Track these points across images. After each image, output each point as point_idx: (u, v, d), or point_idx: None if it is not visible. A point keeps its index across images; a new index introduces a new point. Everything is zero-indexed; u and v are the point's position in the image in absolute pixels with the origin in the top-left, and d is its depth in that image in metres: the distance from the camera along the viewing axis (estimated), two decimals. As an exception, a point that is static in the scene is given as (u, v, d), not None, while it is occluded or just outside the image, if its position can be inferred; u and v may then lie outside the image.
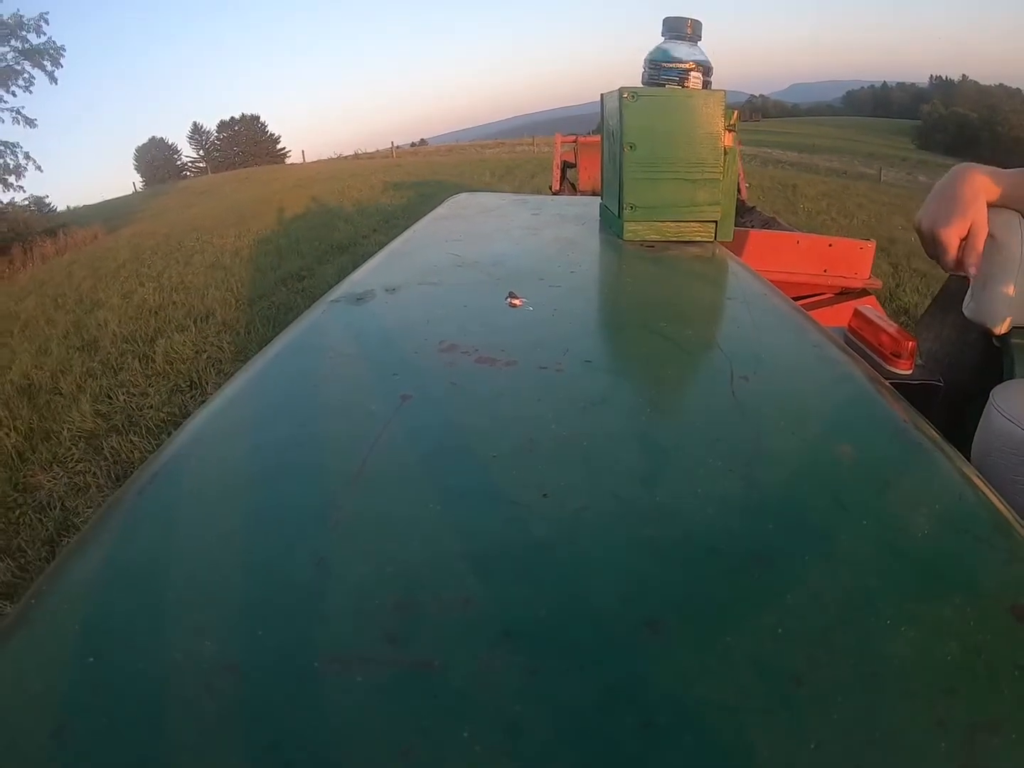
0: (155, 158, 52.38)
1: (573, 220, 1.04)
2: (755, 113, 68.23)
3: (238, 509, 0.36)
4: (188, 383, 3.92)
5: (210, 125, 55.09)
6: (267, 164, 40.60)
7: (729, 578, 0.31)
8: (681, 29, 0.86)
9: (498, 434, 0.42)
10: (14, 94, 12.78)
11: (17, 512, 2.71)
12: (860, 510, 0.36)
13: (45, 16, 13.03)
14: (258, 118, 56.07)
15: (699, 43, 0.88)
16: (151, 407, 3.59)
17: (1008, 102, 46.66)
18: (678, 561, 0.32)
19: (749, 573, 0.31)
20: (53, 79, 13.16)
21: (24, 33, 12.56)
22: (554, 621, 0.28)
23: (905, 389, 0.74)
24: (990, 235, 1.04)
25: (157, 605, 0.30)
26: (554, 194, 5.09)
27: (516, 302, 0.63)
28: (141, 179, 47.47)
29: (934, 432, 0.45)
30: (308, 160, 30.59)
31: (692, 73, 0.86)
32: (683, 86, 0.86)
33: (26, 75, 12.58)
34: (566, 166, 5.56)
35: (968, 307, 1.13)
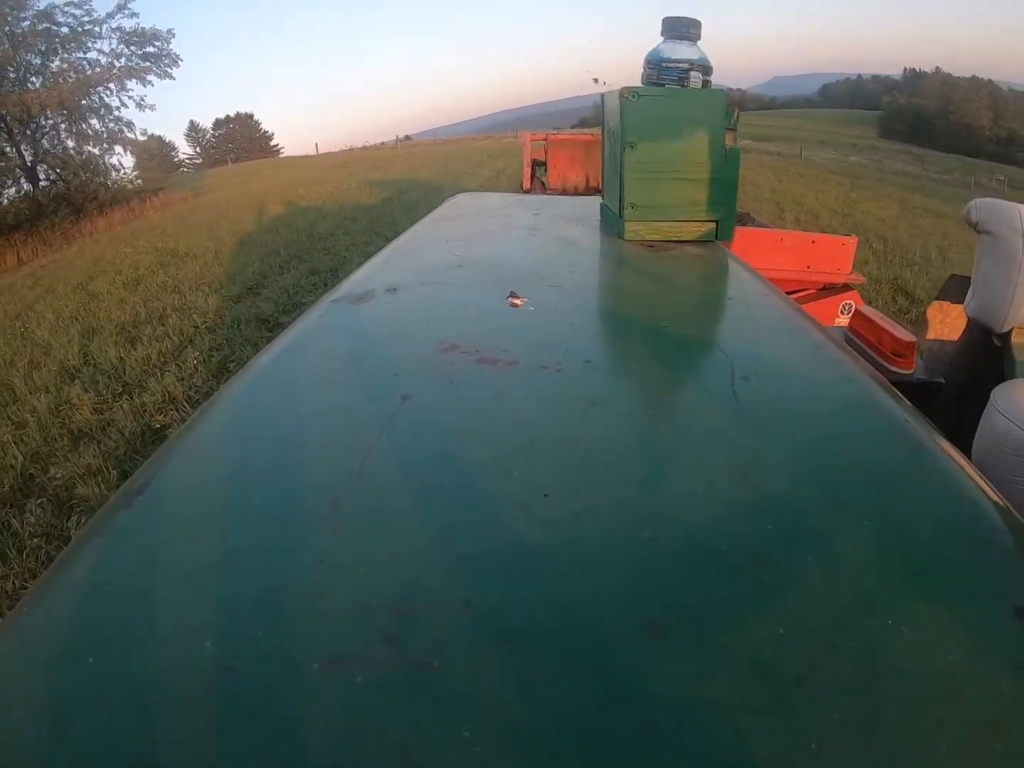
0: (152, 154, 56.13)
1: (573, 220, 1.05)
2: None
3: (238, 509, 0.37)
4: (367, 229, 8.20)
5: (206, 123, 58.73)
6: (260, 159, 44.66)
7: (730, 579, 0.31)
8: (680, 29, 0.87)
9: (499, 434, 0.43)
10: (144, 86, 17.18)
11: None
12: (861, 510, 0.36)
13: (172, 31, 17.74)
14: (252, 116, 58.78)
15: (698, 43, 0.89)
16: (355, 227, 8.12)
17: (961, 92, 51.29)
18: (679, 562, 0.32)
19: (750, 574, 0.31)
20: (171, 77, 17.76)
21: (157, 43, 17.09)
22: (554, 622, 0.28)
23: (906, 388, 0.76)
24: (990, 232, 1.06)
25: (156, 606, 0.30)
26: (524, 193, 5.12)
27: (517, 302, 0.64)
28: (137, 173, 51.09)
29: (936, 432, 0.45)
30: (320, 152, 34.83)
31: (692, 73, 0.87)
32: (683, 86, 0.87)
33: (156, 72, 17.12)
34: (536, 164, 5.62)
35: (970, 305, 1.15)
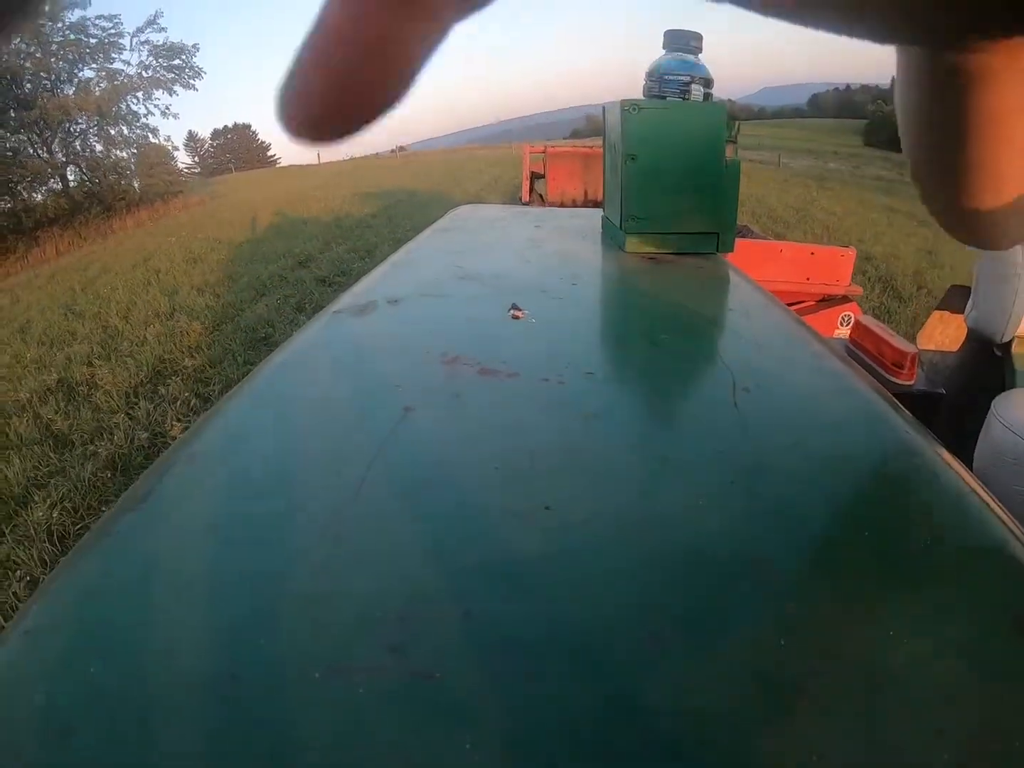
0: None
1: (575, 232, 1.06)
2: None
3: (240, 519, 0.37)
4: (388, 222, 9.23)
5: (203, 133, 60.30)
6: (261, 169, 46.20)
7: (731, 590, 0.31)
8: (682, 42, 0.89)
9: (500, 446, 0.43)
10: (169, 95, 18.92)
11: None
12: (862, 522, 0.36)
13: (197, 45, 19.47)
14: (249, 126, 60.72)
15: (700, 56, 0.90)
16: (377, 222, 9.28)
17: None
18: (680, 573, 0.32)
19: (751, 585, 0.31)
20: (194, 88, 19.44)
21: (183, 56, 18.79)
22: (556, 633, 0.29)
23: (907, 399, 0.76)
24: None
25: (159, 614, 0.30)
26: (523, 206, 5.04)
27: (518, 314, 0.65)
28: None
29: (936, 443, 0.45)
30: (322, 161, 36.42)
31: (693, 86, 0.88)
32: (684, 98, 0.89)
33: (183, 82, 18.92)
34: (534, 177, 5.64)
35: (970, 316, 1.18)
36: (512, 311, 0.66)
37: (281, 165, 51.79)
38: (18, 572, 2.20)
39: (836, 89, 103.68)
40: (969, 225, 0.28)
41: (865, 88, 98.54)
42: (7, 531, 2.42)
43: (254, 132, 59.69)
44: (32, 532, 2.39)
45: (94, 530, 0.38)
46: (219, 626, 0.30)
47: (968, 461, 0.99)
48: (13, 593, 2.11)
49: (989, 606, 0.31)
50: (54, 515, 2.50)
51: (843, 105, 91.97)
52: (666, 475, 0.40)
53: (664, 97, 0.90)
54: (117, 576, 0.33)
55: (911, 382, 1.12)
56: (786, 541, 0.35)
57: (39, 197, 16.31)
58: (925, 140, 0.25)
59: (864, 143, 52.19)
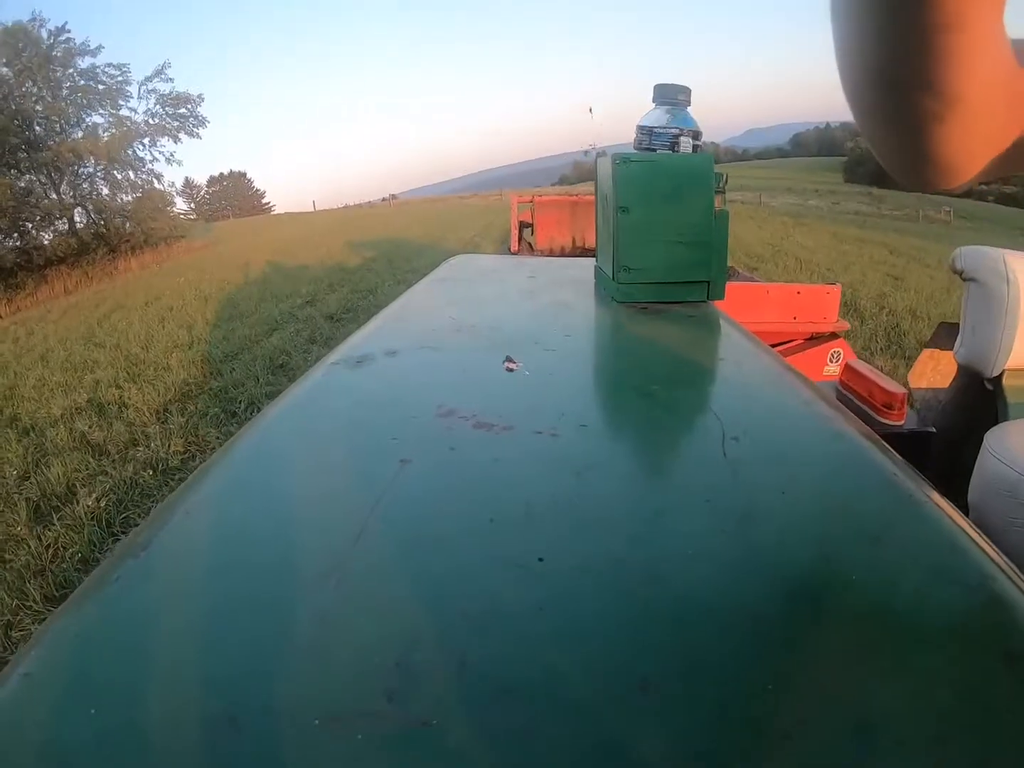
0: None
1: (569, 282, 1.08)
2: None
3: (240, 567, 0.37)
4: (387, 266, 9.62)
5: (199, 180, 61.80)
6: (258, 215, 47.38)
7: (721, 637, 0.31)
8: (671, 96, 0.92)
9: (496, 498, 0.44)
10: (174, 142, 20.06)
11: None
12: (850, 566, 0.37)
13: (202, 95, 20.83)
14: (244, 174, 62.21)
15: (688, 108, 0.93)
16: (377, 266, 9.78)
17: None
18: (671, 622, 0.33)
19: (741, 631, 0.32)
20: (198, 136, 20.76)
21: (188, 105, 20.03)
22: (549, 681, 0.29)
23: (898, 439, 0.77)
24: (976, 280, 1.11)
25: (158, 660, 0.31)
26: (512, 255, 5.21)
27: (513, 366, 0.65)
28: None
29: (926, 484, 0.45)
30: (317, 209, 37.54)
31: (682, 138, 0.91)
32: (674, 151, 0.91)
33: (187, 129, 20.11)
34: (523, 226, 5.66)
35: (959, 352, 1.19)
36: (506, 363, 0.67)
37: (276, 212, 53.13)
38: (69, 551, 2.49)
39: (816, 128, 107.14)
40: (924, 163, 0.26)
41: (844, 125, 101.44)
42: (55, 521, 2.72)
43: (250, 180, 61.30)
44: (82, 519, 2.70)
45: (93, 577, 0.39)
46: (219, 672, 0.30)
47: (963, 495, 1.00)
48: (63, 568, 2.38)
49: (979, 643, 0.31)
50: (101, 504, 2.82)
51: (823, 143, 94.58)
52: (657, 526, 0.41)
53: (654, 149, 0.93)
54: (116, 622, 0.34)
55: (901, 422, 1.15)
56: (776, 588, 0.35)
57: (47, 237, 17.22)
58: (876, 57, 0.22)
59: (844, 180, 52.93)
